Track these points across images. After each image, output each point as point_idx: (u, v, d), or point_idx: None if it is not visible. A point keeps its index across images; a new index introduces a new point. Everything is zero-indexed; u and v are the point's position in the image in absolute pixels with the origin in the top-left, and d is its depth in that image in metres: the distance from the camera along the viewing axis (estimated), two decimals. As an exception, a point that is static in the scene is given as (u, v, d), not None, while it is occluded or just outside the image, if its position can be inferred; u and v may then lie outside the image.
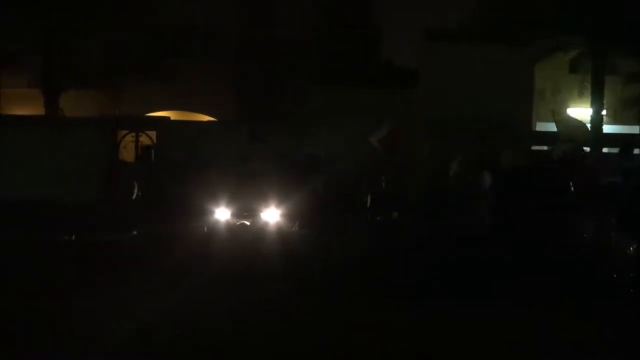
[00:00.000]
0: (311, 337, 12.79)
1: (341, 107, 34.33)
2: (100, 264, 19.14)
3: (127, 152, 33.61)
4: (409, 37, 39.71)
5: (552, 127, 35.68)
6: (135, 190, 28.17)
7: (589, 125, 34.79)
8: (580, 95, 36.47)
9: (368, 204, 27.73)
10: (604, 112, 35.36)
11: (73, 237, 23.74)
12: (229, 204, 24.18)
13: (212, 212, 24.34)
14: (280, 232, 23.95)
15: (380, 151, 28.85)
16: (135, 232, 24.73)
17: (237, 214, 24.14)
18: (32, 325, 12.90)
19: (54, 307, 14.23)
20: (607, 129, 35.61)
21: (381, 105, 34.65)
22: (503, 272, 18.46)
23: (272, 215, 24.29)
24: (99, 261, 19.71)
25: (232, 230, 23.84)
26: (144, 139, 34.13)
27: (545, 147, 32.73)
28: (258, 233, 23.63)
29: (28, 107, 36.91)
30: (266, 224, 24.09)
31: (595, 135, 34.42)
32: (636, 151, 30.93)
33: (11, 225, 23.60)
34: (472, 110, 33.56)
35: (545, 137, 33.71)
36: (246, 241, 22.92)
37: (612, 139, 33.40)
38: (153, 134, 34.16)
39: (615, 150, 28.00)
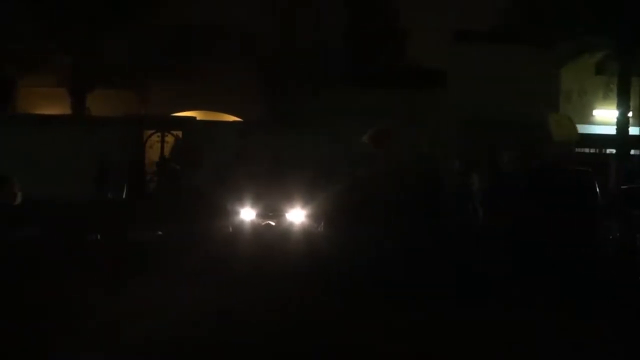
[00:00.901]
0: (329, 337, 12.86)
1: (368, 108, 34.32)
2: (124, 265, 19.20)
3: (153, 152, 33.76)
4: (436, 39, 39.61)
5: (580, 128, 35.76)
6: (125, 191, 28.44)
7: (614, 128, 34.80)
8: (607, 97, 36.31)
9: (394, 205, 27.69)
10: (630, 114, 35.19)
11: (98, 237, 23.79)
12: (254, 204, 24.24)
13: (237, 213, 24.42)
14: (305, 232, 23.98)
15: (373, 150, 28.83)
16: (160, 233, 24.77)
17: (262, 215, 24.21)
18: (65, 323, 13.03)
19: (80, 305, 14.37)
20: (633, 130, 35.45)
21: (409, 106, 34.69)
22: (518, 274, 18.50)
23: (297, 215, 24.33)
24: (122, 262, 19.75)
25: (258, 230, 23.91)
26: (169, 139, 34.27)
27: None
28: (283, 233, 23.68)
29: (55, 107, 37.09)
30: (291, 224, 24.14)
31: (621, 137, 34.36)
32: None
33: (36, 225, 23.73)
34: (499, 111, 33.50)
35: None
36: (271, 241, 22.97)
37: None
38: (179, 133, 34.28)
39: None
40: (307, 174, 26.52)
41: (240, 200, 24.36)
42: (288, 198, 24.45)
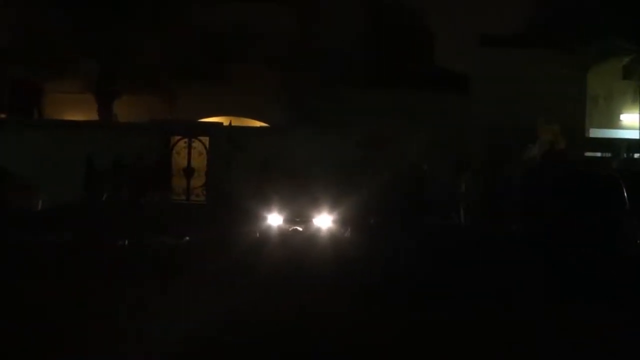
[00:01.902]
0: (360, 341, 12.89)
1: (393, 110, 34.38)
2: (152, 270, 19.27)
3: (180, 158, 33.79)
4: (461, 42, 39.56)
5: (606, 133, 35.68)
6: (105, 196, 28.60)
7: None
8: (634, 101, 36.21)
9: (421, 208, 27.73)
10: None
11: (126, 243, 23.82)
12: (281, 209, 24.28)
13: (264, 218, 24.46)
14: (333, 238, 23.97)
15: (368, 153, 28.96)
16: (187, 238, 24.81)
17: (289, 220, 24.24)
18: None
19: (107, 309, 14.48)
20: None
21: (434, 109, 34.69)
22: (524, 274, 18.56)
23: (324, 221, 24.34)
24: (150, 267, 19.82)
25: (285, 236, 23.93)
26: (196, 145, 34.34)
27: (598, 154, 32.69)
28: (310, 239, 23.68)
29: (82, 112, 37.22)
30: (318, 229, 24.15)
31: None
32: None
33: (63, 230, 23.87)
34: (525, 116, 33.40)
35: (599, 143, 33.62)
36: (298, 247, 22.95)
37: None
38: (206, 139, 34.33)
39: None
40: (333, 178, 26.58)
41: (267, 205, 24.42)
42: (315, 203, 24.49)
